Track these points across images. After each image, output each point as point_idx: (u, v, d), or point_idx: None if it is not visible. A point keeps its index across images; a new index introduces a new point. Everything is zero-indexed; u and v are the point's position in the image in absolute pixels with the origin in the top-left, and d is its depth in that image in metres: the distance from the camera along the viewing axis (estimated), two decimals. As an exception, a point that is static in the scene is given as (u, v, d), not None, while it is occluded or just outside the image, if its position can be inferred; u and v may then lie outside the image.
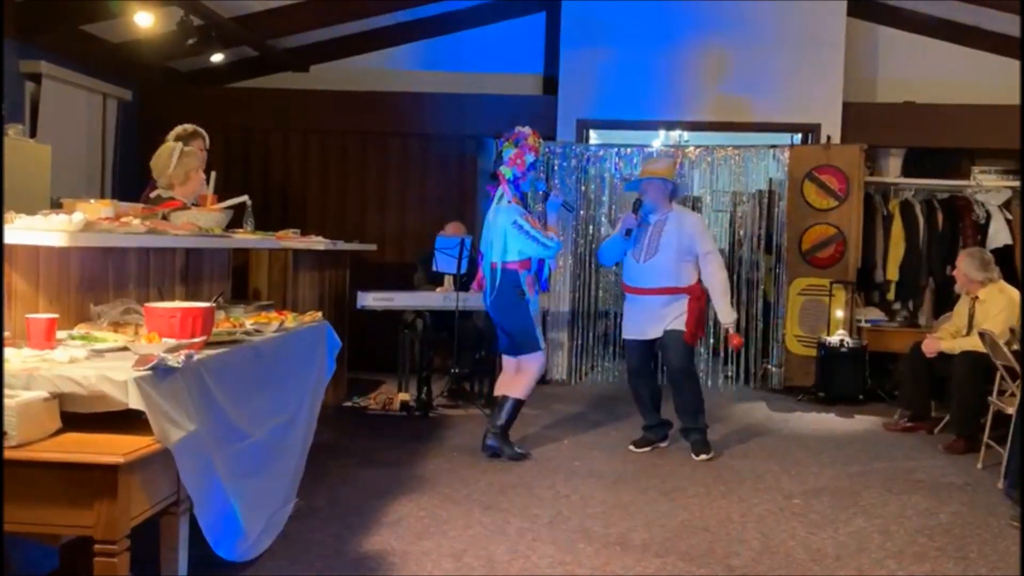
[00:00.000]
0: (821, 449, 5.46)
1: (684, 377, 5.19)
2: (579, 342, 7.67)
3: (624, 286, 5.39)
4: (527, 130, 5.01)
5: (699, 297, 5.13)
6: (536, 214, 5.18)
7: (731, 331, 5.38)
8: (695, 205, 8.44)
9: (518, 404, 5.03)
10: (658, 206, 5.19)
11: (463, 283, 6.22)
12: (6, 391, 2.30)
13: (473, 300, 6.15)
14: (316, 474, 4.11)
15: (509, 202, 4.95)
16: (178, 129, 5.06)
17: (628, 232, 5.16)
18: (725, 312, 5.19)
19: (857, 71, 7.81)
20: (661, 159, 5.62)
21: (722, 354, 7.57)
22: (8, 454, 2.21)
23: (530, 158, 4.94)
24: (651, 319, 5.16)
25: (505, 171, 4.96)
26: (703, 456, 5.08)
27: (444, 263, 6.17)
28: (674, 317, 5.11)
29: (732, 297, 5.62)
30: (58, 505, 2.25)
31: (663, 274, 5.12)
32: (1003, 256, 6.90)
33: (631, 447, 5.27)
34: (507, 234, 4.89)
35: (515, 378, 5.06)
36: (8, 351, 2.51)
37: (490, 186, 5.18)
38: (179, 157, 4.41)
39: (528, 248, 4.90)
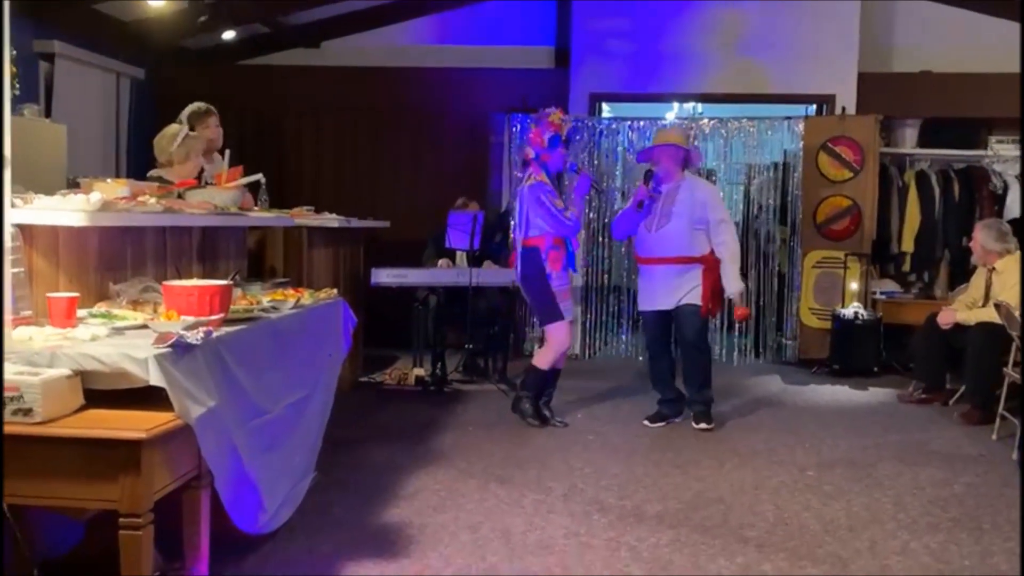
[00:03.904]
0: (835, 421, 5.47)
1: (696, 351, 5.22)
2: (592, 317, 7.69)
3: (637, 257, 5.40)
4: (551, 109, 5.08)
5: (713, 267, 5.11)
6: (564, 193, 5.25)
7: (736, 301, 5.33)
8: (709, 177, 8.39)
9: (539, 373, 5.16)
10: (670, 175, 5.18)
11: (476, 259, 6.24)
12: (30, 368, 2.35)
13: (486, 276, 6.17)
14: (334, 448, 4.15)
15: (535, 179, 5.01)
16: (192, 107, 5.10)
17: (640, 204, 5.16)
18: (732, 281, 5.12)
19: (873, 40, 7.72)
20: (673, 128, 5.61)
21: (737, 327, 7.56)
22: (33, 430, 2.26)
23: (548, 134, 4.99)
24: (665, 289, 5.16)
25: (528, 151, 5.07)
26: (703, 425, 5.13)
27: (457, 239, 6.18)
28: (688, 289, 5.11)
29: (746, 269, 5.58)
30: (83, 480, 2.29)
31: (675, 243, 5.11)
32: (1020, 226, 6.85)
33: (645, 422, 5.29)
34: (530, 210, 4.99)
35: (541, 350, 5.26)
36: (31, 329, 2.55)
37: (521, 169, 5.26)
38: (183, 139, 4.50)
39: (548, 224, 4.97)
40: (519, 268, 5.13)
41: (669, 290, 5.15)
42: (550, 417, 5.20)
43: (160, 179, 4.39)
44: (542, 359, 5.18)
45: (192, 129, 4.85)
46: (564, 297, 5.10)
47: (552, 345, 5.15)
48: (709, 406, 5.22)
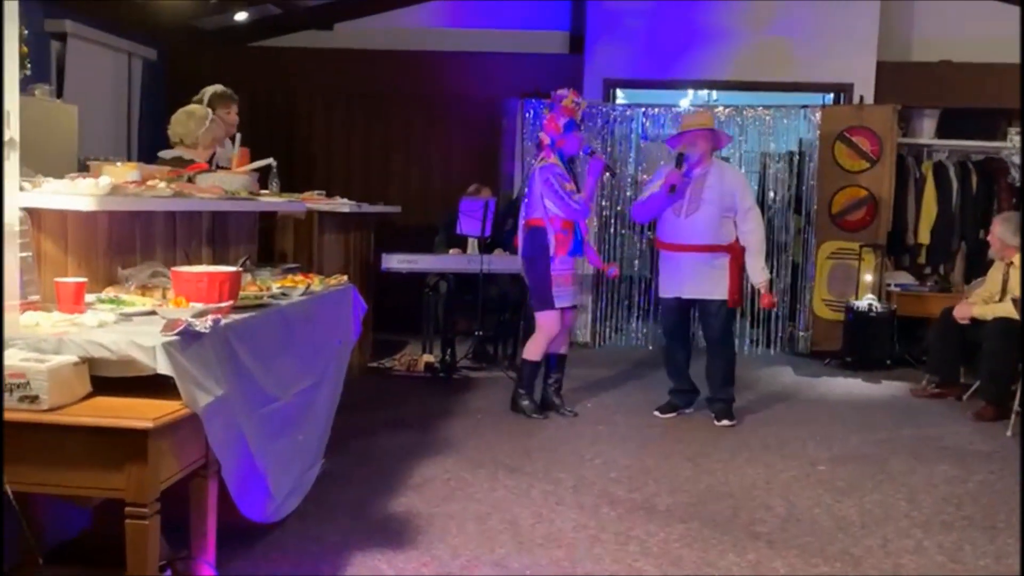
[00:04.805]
0: (847, 415, 5.42)
1: (721, 347, 5.14)
2: (603, 305, 7.65)
3: (659, 243, 5.23)
4: (564, 92, 5.00)
5: (738, 257, 5.01)
6: (577, 176, 5.19)
7: (763, 290, 5.20)
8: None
9: (531, 365, 5.12)
10: (704, 159, 5.06)
11: (487, 245, 6.19)
12: (36, 355, 2.32)
13: (497, 263, 6.13)
14: (342, 436, 4.13)
15: (546, 160, 4.96)
16: (216, 89, 5.04)
17: (672, 188, 4.99)
18: (758, 271, 5.05)
19: (892, 29, 7.60)
20: (699, 112, 5.45)
21: (748, 317, 7.50)
22: (39, 418, 2.23)
23: (563, 120, 4.92)
24: (690, 277, 5.04)
25: (544, 137, 5.02)
26: (724, 422, 5.06)
27: (468, 225, 6.13)
28: (715, 282, 5.00)
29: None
30: (89, 468, 2.27)
31: (704, 230, 4.99)
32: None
33: (656, 412, 5.25)
34: (540, 191, 4.93)
35: (530, 341, 5.16)
36: (38, 315, 2.53)
37: (535, 154, 5.22)
38: (210, 124, 4.48)
39: (556, 206, 4.91)
40: (522, 248, 5.06)
41: (694, 278, 5.03)
42: (560, 405, 5.17)
43: (182, 159, 4.36)
44: (531, 350, 5.10)
45: (213, 111, 4.82)
46: (564, 282, 4.98)
47: (539, 334, 5.06)
48: (730, 404, 5.15)
